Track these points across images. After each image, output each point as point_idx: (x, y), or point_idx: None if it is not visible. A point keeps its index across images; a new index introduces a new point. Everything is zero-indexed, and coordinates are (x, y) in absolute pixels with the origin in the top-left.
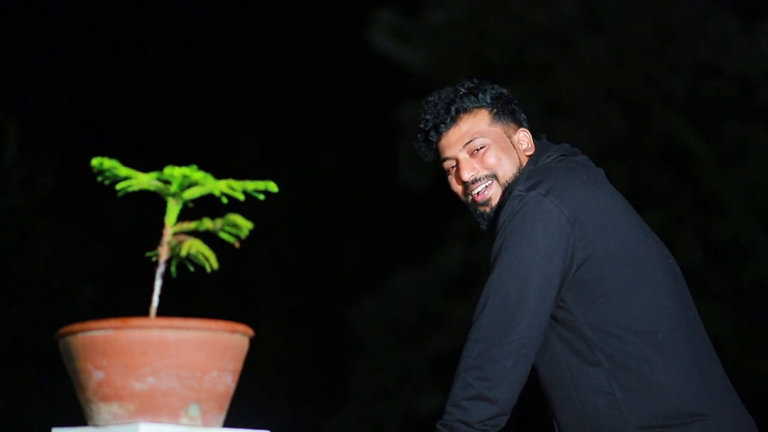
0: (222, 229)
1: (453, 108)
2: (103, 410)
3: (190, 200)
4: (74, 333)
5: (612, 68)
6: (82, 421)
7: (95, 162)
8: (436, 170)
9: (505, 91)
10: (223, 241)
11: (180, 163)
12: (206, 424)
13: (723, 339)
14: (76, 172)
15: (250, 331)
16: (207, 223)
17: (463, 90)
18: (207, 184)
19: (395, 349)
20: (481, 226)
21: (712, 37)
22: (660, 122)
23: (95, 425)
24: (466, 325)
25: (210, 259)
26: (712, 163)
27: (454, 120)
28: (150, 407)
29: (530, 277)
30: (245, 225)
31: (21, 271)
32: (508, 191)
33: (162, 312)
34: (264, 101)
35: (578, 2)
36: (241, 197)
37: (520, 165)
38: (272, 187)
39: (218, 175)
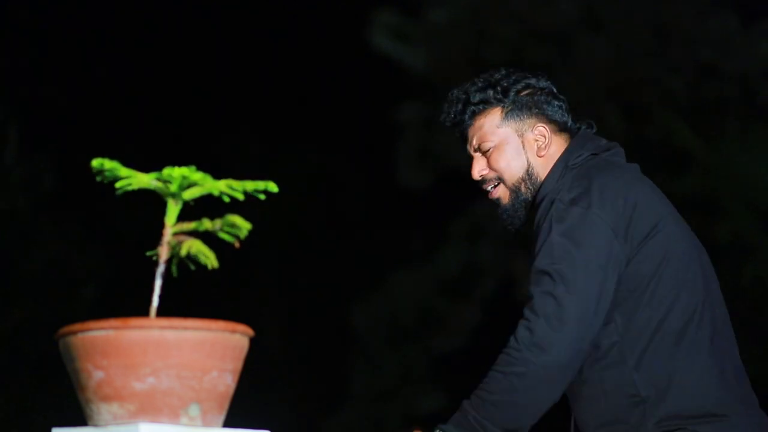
0: (221, 230)
1: (468, 110)
2: (103, 410)
3: (191, 200)
4: (74, 333)
5: (612, 68)
6: (82, 421)
7: (96, 163)
8: (436, 170)
9: (533, 80)
10: (222, 241)
11: (180, 164)
12: (206, 424)
13: None
14: (76, 172)
15: (250, 331)
16: (206, 224)
17: (479, 85)
18: (206, 184)
19: (395, 349)
20: (500, 220)
21: (712, 37)
22: (660, 122)
23: (95, 425)
24: (466, 325)
25: (210, 259)
26: (712, 163)
27: (469, 120)
28: (150, 407)
29: (588, 292)
30: (244, 225)
31: (21, 271)
32: (534, 198)
33: (162, 312)
34: (264, 101)
35: (578, 2)
36: (241, 197)
37: (530, 165)
38: (272, 187)
39: (218, 176)
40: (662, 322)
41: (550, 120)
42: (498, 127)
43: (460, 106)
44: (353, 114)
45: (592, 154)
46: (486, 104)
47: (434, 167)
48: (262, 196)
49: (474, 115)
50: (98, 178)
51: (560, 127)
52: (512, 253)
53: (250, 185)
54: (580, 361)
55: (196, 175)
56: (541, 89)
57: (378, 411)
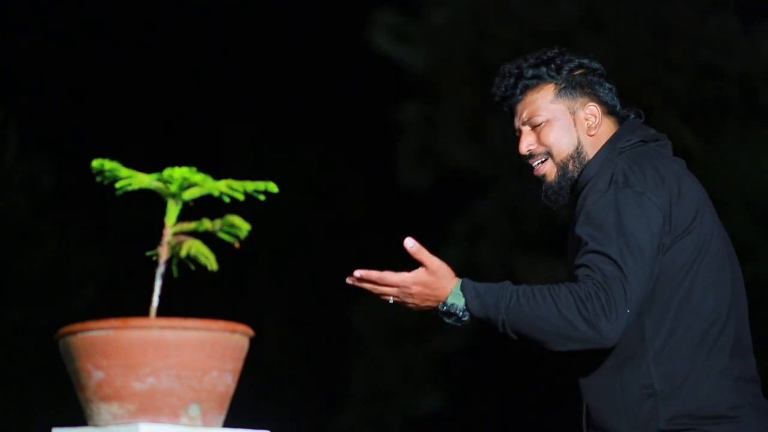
0: (221, 230)
1: (520, 84)
2: (103, 410)
3: (191, 200)
4: (74, 333)
5: (612, 68)
6: (82, 421)
7: (96, 163)
8: (436, 170)
9: (585, 61)
10: (222, 241)
11: (180, 164)
12: (206, 424)
13: None
14: (76, 172)
15: (250, 331)
16: (206, 224)
17: (532, 61)
18: (206, 184)
19: (395, 349)
20: (542, 198)
21: (712, 37)
22: (660, 122)
23: (95, 425)
24: (468, 326)
25: (210, 260)
26: (712, 163)
27: (520, 95)
28: (150, 407)
29: (647, 275)
30: (244, 226)
31: (21, 271)
32: (579, 177)
33: (162, 312)
34: (264, 101)
35: (578, 2)
36: (241, 197)
37: (579, 144)
38: (272, 187)
39: (218, 176)
40: (688, 319)
41: (601, 101)
42: (551, 103)
43: (512, 80)
44: (353, 114)
45: (642, 141)
46: (539, 80)
47: (434, 167)
48: (262, 197)
49: (526, 89)
50: (98, 179)
51: (610, 110)
52: (512, 253)
53: (250, 185)
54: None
55: (197, 176)
56: (594, 70)
57: (378, 411)
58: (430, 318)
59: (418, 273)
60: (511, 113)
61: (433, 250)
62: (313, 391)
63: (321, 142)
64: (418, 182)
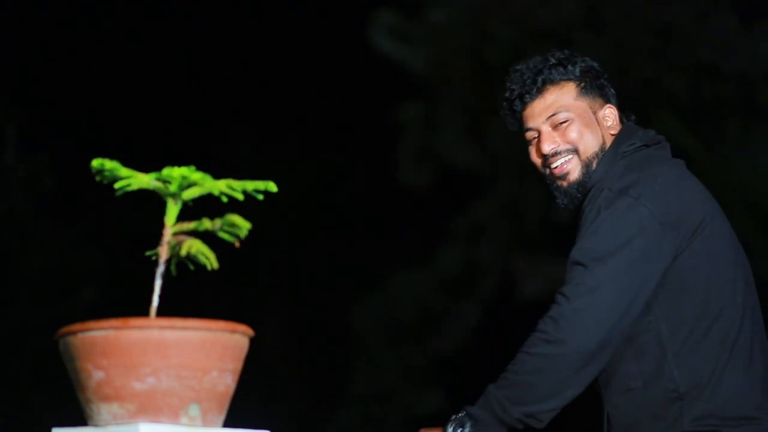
0: (221, 229)
1: (540, 79)
2: (103, 410)
3: (190, 200)
4: (74, 333)
5: (612, 68)
6: (82, 421)
7: (96, 163)
8: (436, 170)
9: (595, 64)
10: (223, 241)
11: (180, 164)
12: (206, 424)
13: None
14: (76, 172)
15: (250, 331)
16: (206, 223)
17: (552, 60)
18: (206, 184)
19: (395, 349)
20: (557, 201)
21: (712, 37)
22: (660, 123)
23: (95, 425)
24: (466, 325)
25: (210, 259)
26: (712, 163)
27: (540, 91)
28: (150, 407)
29: (626, 283)
30: (244, 225)
31: (21, 271)
32: (591, 177)
33: (162, 312)
34: (263, 101)
35: (579, 2)
36: (241, 197)
37: (603, 142)
38: (272, 187)
39: (218, 176)
40: (707, 320)
41: (613, 102)
42: (575, 100)
43: (531, 76)
44: (353, 114)
45: (644, 145)
46: (561, 77)
47: (434, 167)
48: (261, 197)
49: (546, 84)
50: (98, 178)
51: (620, 112)
52: (512, 253)
53: (249, 185)
54: (604, 353)
55: (196, 175)
56: (601, 73)
57: (378, 411)
58: (430, 318)
59: None
60: (519, 116)
61: (434, 250)
62: (313, 391)
63: (321, 141)
64: (418, 182)
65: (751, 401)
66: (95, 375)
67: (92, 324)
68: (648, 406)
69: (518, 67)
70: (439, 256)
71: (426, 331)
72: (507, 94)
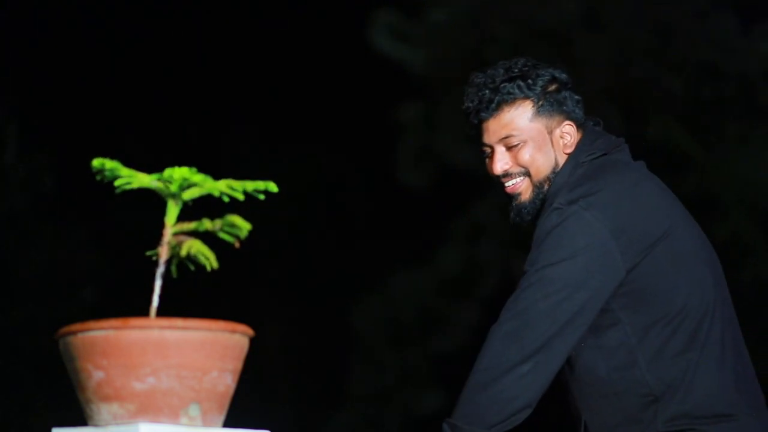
0: (221, 230)
1: (496, 99)
2: (103, 410)
3: (190, 200)
4: (74, 333)
5: (612, 68)
6: (82, 421)
7: (96, 163)
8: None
9: (559, 74)
10: (223, 241)
11: (181, 164)
12: (206, 424)
13: None
14: (76, 172)
15: (250, 331)
16: (206, 224)
17: (514, 72)
18: (206, 184)
19: (395, 349)
20: (510, 215)
21: (712, 37)
22: (659, 123)
23: (95, 425)
24: (466, 325)
25: (210, 259)
26: (711, 163)
27: (495, 110)
28: (150, 407)
29: (571, 295)
30: (244, 226)
31: (21, 271)
32: (546, 194)
33: (162, 312)
34: (263, 101)
35: (578, 2)
36: (241, 197)
37: (556, 164)
38: (272, 187)
39: (218, 176)
40: (675, 321)
41: (573, 117)
42: (530, 121)
43: (487, 93)
44: (353, 114)
45: (603, 154)
46: (516, 95)
47: (434, 167)
48: (262, 197)
49: (502, 104)
50: (98, 178)
51: (579, 124)
52: (512, 253)
53: (250, 185)
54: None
55: (197, 176)
56: (564, 83)
57: (378, 411)
58: (430, 318)
59: None
60: (476, 128)
61: (434, 250)
62: (313, 391)
63: (321, 142)
64: (418, 182)
65: (724, 399)
66: (95, 375)
67: (92, 324)
68: (624, 409)
69: (477, 80)
70: (439, 256)
71: (426, 331)
72: (464, 107)
